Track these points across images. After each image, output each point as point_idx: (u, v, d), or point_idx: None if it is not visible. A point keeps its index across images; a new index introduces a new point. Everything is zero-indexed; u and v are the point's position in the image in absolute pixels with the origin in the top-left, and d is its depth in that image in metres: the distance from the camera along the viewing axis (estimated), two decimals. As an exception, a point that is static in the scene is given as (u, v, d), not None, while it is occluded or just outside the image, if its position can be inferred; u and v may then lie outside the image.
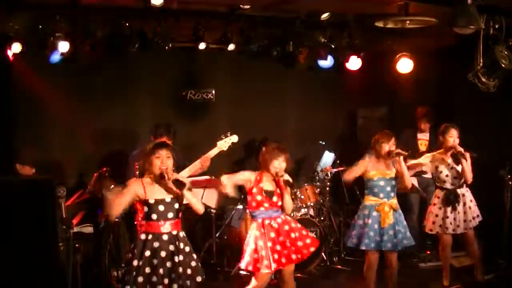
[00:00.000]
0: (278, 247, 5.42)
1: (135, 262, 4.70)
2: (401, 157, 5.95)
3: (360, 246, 5.95)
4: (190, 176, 6.52)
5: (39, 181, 4.33)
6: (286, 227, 5.53)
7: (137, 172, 5.09)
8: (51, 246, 4.21)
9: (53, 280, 4.18)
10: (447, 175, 6.58)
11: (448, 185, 6.59)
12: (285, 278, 5.62)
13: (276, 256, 5.39)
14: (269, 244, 5.40)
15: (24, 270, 3.95)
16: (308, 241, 5.57)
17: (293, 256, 5.48)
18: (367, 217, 5.96)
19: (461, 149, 6.45)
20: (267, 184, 5.55)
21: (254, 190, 5.51)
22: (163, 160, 4.79)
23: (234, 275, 7.03)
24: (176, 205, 4.84)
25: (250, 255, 5.43)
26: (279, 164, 5.46)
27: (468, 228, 6.60)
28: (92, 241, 6.78)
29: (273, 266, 5.38)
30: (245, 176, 5.58)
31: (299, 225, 5.66)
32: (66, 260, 5.92)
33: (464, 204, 6.58)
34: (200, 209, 5.00)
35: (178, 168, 6.50)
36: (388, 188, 6.00)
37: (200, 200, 5.20)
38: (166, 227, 4.77)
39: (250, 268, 5.43)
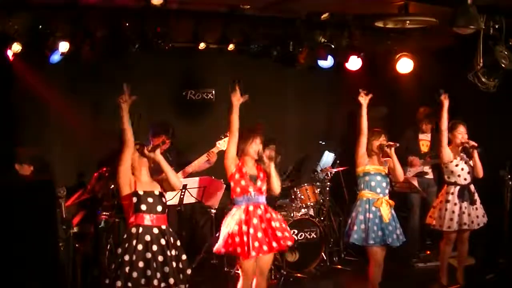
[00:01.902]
0: (259, 234, 5.34)
1: (126, 257, 4.74)
2: (392, 149, 5.99)
3: (368, 241, 5.90)
4: (190, 176, 6.53)
5: (39, 181, 4.33)
6: (268, 215, 5.49)
7: None
8: (51, 246, 4.21)
9: (53, 280, 4.19)
10: (462, 169, 6.56)
11: (462, 181, 6.57)
12: (262, 269, 5.52)
13: (256, 243, 5.30)
14: (251, 231, 5.33)
15: (24, 270, 3.95)
16: (286, 234, 5.49)
17: (274, 245, 5.39)
18: (368, 212, 5.96)
19: (474, 143, 6.44)
20: (250, 169, 5.52)
21: (237, 175, 5.45)
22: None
23: (234, 275, 7.02)
24: (163, 199, 4.98)
25: (231, 238, 5.32)
26: (257, 146, 5.52)
27: (477, 225, 6.60)
28: (92, 241, 6.78)
29: (253, 253, 5.29)
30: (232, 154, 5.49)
31: (279, 216, 5.61)
32: (66, 260, 5.92)
33: (476, 200, 6.59)
34: (176, 183, 5.07)
35: (178, 167, 6.53)
36: (384, 184, 6.04)
37: (176, 174, 5.17)
38: (155, 221, 4.88)
39: (222, 250, 5.34)
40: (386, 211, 5.95)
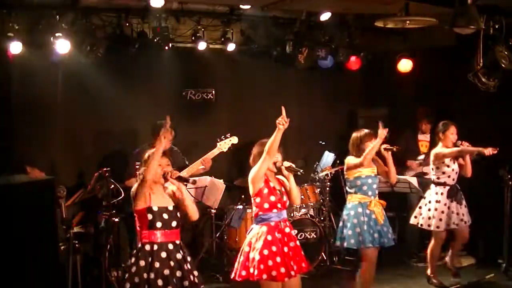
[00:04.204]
0: (290, 253, 5.05)
1: (145, 275, 4.58)
2: (389, 152, 5.93)
3: (366, 244, 5.83)
4: (191, 176, 6.54)
5: (39, 181, 4.33)
6: (293, 232, 5.25)
7: (137, 172, 5.07)
8: (51, 246, 4.20)
9: (53, 280, 4.18)
10: (453, 169, 6.62)
11: (450, 181, 6.62)
12: None
13: (292, 262, 5.00)
14: (285, 249, 5.02)
15: (24, 270, 3.94)
16: (297, 258, 5.10)
17: (292, 272, 5.00)
18: (361, 215, 5.89)
19: (467, 144, 6.48)
20: (275, 183, 5.19)
21: (266, 190, 5.07)
22: (164, 168, 4.77)
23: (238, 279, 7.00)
24: (178, 214, 4.78)
25: (263, 263, 4.92)
26: (276, 157, 5.14)
27: (465, 223, 6.66)
28: (92, 241, 6.78)
29: (292, 273, 4.96)
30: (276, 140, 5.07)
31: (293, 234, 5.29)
32: (66, 260, 5.92)
33: (463, 199, 6.68)
34: (195, 214, 4.86)
35: (178, 169, 6.53)
36: (374, 186, 5.99)
37: (195, 206, 4.94)
38: (169, 236, 4.70)
39: (264, 277, 4.92)
40: (380, 212, 5.91)
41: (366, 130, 6.05)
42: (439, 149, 6.65)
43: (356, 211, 5.92)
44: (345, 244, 5.98)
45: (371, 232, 5.86)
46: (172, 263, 4.64)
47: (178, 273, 4.65)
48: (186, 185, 4.86)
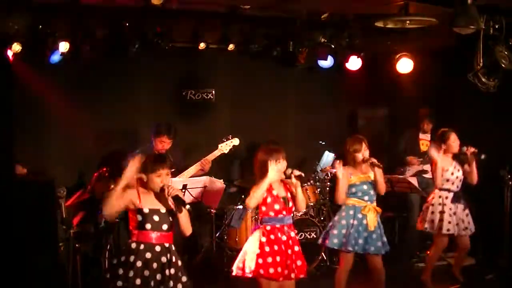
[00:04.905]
0: (293, 256, 5.14)
1: (120, 271, 4.53)
2: (376, 167, 5.85)
3: (347, 247, 5.79)
4: (191, 176, 6.54)
5: (40, 181, 4.33)
6: (293, 238, 5.27)
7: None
8: (51, 246, 4.20)
9: (53, 280, 4.18)
10: (457, 177, 6.58)
11: (454, 188, 6.59)
12: None
13: (287, 263, 5.08)
14: (289, 251, 5.11)
15: (24, 270, 3.95)
16: (299, 263, 5.20)
17: (292, 275, 5.11)
18: (352, 218, 5.83)
19: (474, 149, 6.46)
20: (280, 190, 5.23)
21: (269, 199, 5.13)
22: (163, 179, 4.70)
23: (234, 276, 7.00)
24: (170, 218, 4.72)
25: (254, 260, 5.04)
26: (281, 164, 5.14)
27: (470, 231, 6.63)
28: (92, 241, 6.78)
29: (292, 275, 5.06)
30: (263, 190, 5.12)
31: (297, 237, 5.37)
32: (66, 260, 5.93)
33: (467, 206, 6.65)
34: (188, 231, 4.82)
35: (177, 170, 6.53)
36: (372, 192, 5.90)
37: (189, 222, 4.84)
38: (159, 238, 4.65)
39: (251, 274, 5.05)
40: (373, 219, 5.83)
41: (356, 138, 5.98)
42: (439, 161, 6.58)
43: (348, 213, 5.87)
44: (327, 243, 5.92)
45: (356, 236, 5.80)
46: (154, 265, 4.60)
47: (158, 276, 4.59)
48: (184, 192, 4.82)
